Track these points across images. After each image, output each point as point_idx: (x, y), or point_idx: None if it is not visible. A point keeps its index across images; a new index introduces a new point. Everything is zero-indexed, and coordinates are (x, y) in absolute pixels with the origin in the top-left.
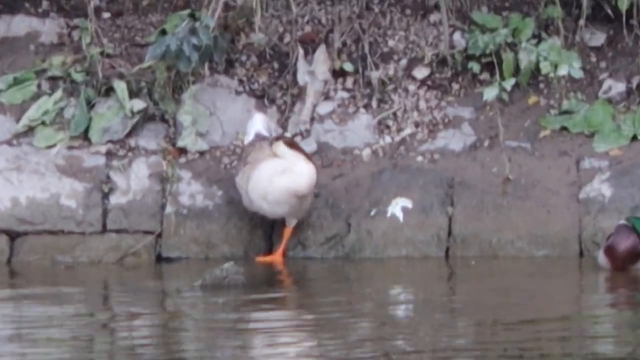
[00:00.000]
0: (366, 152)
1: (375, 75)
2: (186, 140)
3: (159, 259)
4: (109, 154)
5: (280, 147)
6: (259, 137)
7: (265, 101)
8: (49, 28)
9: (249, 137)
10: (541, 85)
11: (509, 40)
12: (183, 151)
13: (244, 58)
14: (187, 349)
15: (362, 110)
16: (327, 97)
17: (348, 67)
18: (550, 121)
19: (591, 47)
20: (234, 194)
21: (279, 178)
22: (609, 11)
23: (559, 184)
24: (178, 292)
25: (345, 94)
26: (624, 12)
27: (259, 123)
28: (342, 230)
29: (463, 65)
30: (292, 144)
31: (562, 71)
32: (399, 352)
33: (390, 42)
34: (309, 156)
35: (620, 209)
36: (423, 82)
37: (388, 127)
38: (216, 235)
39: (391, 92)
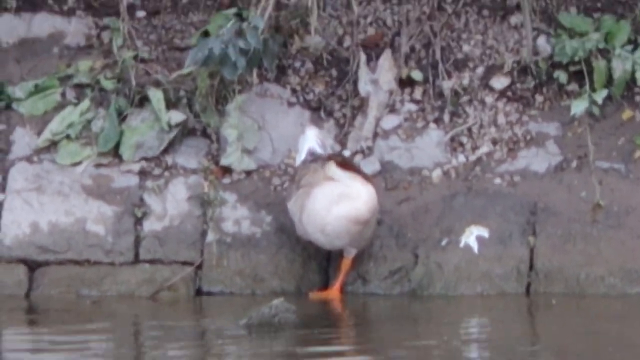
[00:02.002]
0: (436, 173)
1: (447, 85)
2: (231, 157)
3: (199, 293)
4: (143, 173)
5: (332, 169)
6: (312, 156)
7: (322, 114)
8: (75, 28)
9: (300, 156)
10: (637, 98)
11: (601, 46)
12: (227, 170)
13: (297, 64)
14: None
15: (432, 125)
16: (392, 109)
17: (416, 75)
18: None
19: None
20: (285, 220)
21: (336, 207)
22: None
23: None
24: (220, 332)
25: (413, 107)
26: None
27: (312, 139)
28: (408, 262)
29: (548, 75)
30: (345, 164)
31: None
32: None
33: (465, 48)
34: (366, 176)
35: None
36: (502, 93)
37: (462, 144)
38: (264, 268)
39: (465, 105)
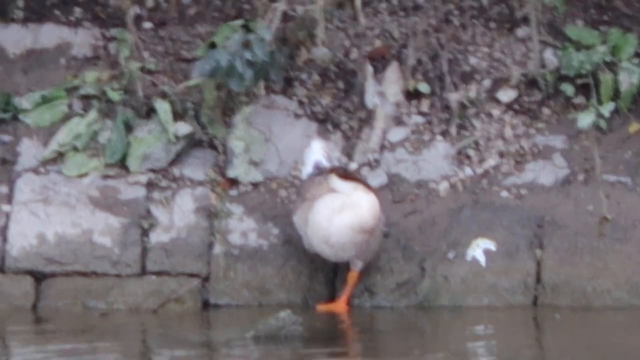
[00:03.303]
0: (443, 186)
1: (454, 97)
2: (238, 170)
3: (206, 305)
4: (150, 185)
5: (334, 180)
6: (318, 169)
7: (329, 126)
8: (82, 39)
9: (306, 169)
10: None
11: (608, 59)
12: (234, 182)
13: (304, 76)
14: None
15: (439, 137)
16: (399, 122)
17: (423, 88)
18: None
19: None
20: (292, 232)
21: (339, 216)
22: None
23: None
24: (227, 344)
25: (420, 119)
26: None
27: (318, 152)
28: (415, 275)
29: (555, 88)
30: (346, 175)
31: None
32: None
33: (472, 60)
34: (368, 185)
35: None
36: (509, 106)
37: (468, 157)
38: (271, 280)
39: (472, 118)
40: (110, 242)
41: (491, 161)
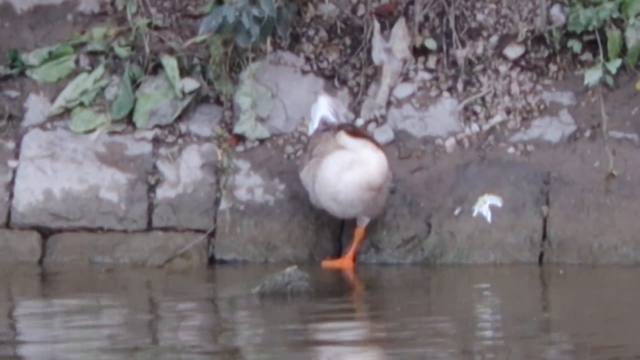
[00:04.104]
0: (450, 142)
1: (461, 54)
2: (244, 125)
3: (212, 261)
4: (156, 141)
5: (342, 137)
6: (325, 125)
7: (336, 82)
8: None
9: (313, 124)
10: None
11: (615, 15)
12: (241, 138)
13: (311, 32)
14: None
15: (445, 94)
16: (406, 78)
17: (430, 44)
18: None
19: None
20: (299, 188)
21: (347, 173)
22: None
23: None
24: (233, 300)
25: (426, 75)
26: None
27: (325, 107)
28: (421, 231)
29: (562, 44)
30: (355, 132)
31: None
32: None
33: (479, 16)
34: (376, 143)
35: None
36: (516, 62)
37: (475, 113)
38: (277, 236)
39: (479, 74)
40: (117, 198)
41: (498, 117)
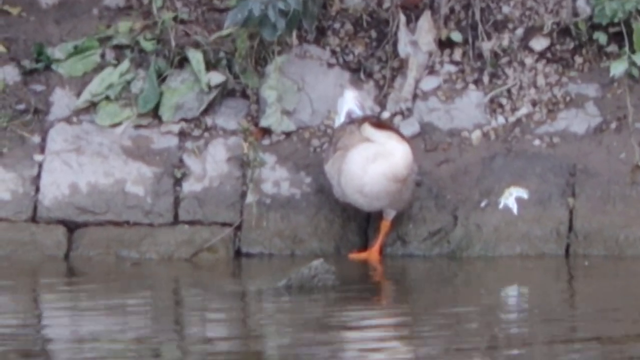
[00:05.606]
0: (476, 135)
1: (487, 46)
2: (270, 119)
3: (238, 254)
4: (182, 135)
5: (367, 129)
6: (351, 118)
7: (361, 75)
8: None
9: (339, 118)
10: None
11: None
12: (267, 132)
13: (337, 26)
14: None
15: (471, 86)
16: (431, 71)
17: (456, 36)
18: None
19: None
20: (325, 182)
21: (373, 165)
22: None
23: None
24: (259, 294)
25: (452, 68)
26: None
27: (351, 101)
28: (447, 224)
29: (588, 36)
30: (380, 124)
31: None
32: None
33: (505, 9)
34: (401, 135)
35: None
36: (542, 54)
37: (501, 106)
38: (304, 229)
39: (505, 66)
40: (143, 192)
41: (524, 109)
